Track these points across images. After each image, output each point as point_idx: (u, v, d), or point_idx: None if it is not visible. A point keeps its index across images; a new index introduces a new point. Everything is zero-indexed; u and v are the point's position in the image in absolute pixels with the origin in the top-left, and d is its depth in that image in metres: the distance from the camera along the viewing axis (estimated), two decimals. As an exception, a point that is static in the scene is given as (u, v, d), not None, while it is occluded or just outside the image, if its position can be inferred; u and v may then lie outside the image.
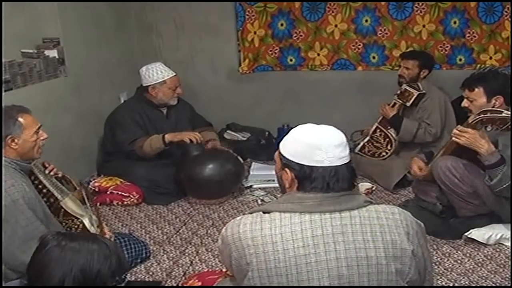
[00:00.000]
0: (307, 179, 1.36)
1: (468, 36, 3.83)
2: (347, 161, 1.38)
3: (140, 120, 3.40)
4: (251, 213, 1.42)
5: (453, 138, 2.47)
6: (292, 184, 1.40)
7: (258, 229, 1.34)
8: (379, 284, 1.30)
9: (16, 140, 1.98)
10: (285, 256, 1.30)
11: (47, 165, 2.29)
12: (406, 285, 1.33)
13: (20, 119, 2.00)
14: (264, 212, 1.39)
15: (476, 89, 2.58)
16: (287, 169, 1.40)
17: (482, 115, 2.42)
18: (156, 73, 3.38)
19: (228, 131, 4.24)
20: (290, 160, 1.39)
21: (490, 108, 2.49)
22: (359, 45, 4.04)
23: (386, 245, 1.31)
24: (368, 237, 1.32)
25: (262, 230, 1.34)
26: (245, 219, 1.40)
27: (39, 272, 1.35)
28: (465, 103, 2.65)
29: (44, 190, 2.11)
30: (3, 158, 1.97)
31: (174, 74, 3.44)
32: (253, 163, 3.89)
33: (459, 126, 2.48)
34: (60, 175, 2.29)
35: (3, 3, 2.79)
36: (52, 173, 2.25)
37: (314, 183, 1.35)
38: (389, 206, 1.40)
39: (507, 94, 2.54)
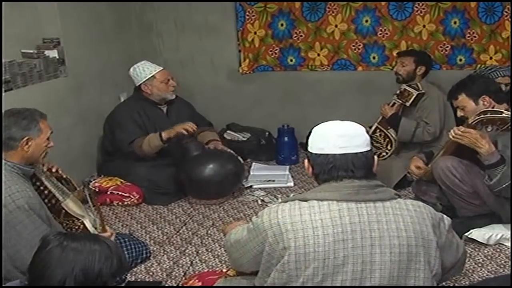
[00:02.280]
0: (312, 165, 1.51)
1: (468, 36, 3.83)
2: (349, 151, 1.45)
3: (139, 119, 3.39)
4: (285, 201, 1.49)
5: (454, 139, 2.48)
6: (312, 173, 1.53)
7: (297, 215, 1.41)
8: (408, 272, 1.39)
9: (30, 143, 1.98)
10: (325, 241, 1.37)
11: (49, 166, 2.28)
12: (433, 276, 1.42)
13: (41, 124, 2.03)
14: (301, 201, 1.45)
15: (460, 97, 2.63)
16: (306, 159, 1.55)
17: (482, 116, 2.42)
18: (143, 70, 3.39)
19: (228, 131, 4.24)
20: (307, 150, 1.54)
21: (490, 109, 2.49)
22: (359, 45, 4.04)
23: (417, 235, 1.40)
24: (401, 226, 1.40)
25: (302, 216, 1.41)
26: (283, 206, 1.46)
27: (40, 272, 1.36)
28: (459, 112, 2.69)
29: (46, 192, 2.10)
30: (7, 163, 1.96)
31: (162, 68, 3.46)
32: (253, 163, 3.90)
33: (460, 127, 2.49)
34: (64, 176, 2.29)
35: (3, 3, 2.79)
36: (55, 170, 2.25)
37: (315, 169, 1.49)
38: (415, 201, 1.51)
39: (492, 92, 2.57)
